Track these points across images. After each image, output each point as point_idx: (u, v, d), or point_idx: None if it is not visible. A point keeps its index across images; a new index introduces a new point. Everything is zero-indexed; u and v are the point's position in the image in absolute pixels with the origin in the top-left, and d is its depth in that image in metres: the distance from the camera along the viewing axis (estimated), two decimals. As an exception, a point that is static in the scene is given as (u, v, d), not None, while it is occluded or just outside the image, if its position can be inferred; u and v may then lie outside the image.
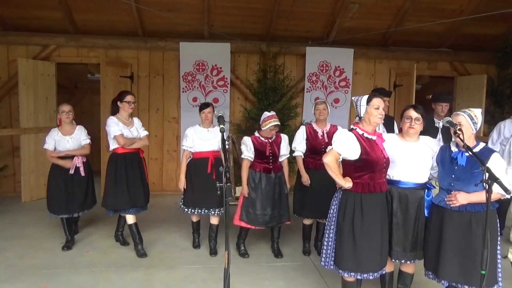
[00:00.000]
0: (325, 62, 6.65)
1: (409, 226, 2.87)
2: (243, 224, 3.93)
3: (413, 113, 2.89)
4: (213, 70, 6.45)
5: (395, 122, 4.25)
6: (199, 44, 6.35)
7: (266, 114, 3.95)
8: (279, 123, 3.91)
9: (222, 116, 2.73)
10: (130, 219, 3.99)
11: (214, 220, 4.12)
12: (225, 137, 2.53)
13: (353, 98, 2.89)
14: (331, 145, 2.79)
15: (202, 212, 4.00)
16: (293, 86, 6.62)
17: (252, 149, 3.88)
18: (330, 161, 2.71)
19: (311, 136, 4.00)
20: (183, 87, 6.44)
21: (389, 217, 2.88)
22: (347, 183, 2.74)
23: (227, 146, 2.51)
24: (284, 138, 4.03)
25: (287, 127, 6.20)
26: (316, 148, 3.94)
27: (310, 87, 6.68)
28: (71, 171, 4.08)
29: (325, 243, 2.89)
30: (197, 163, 3.96)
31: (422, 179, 2.92)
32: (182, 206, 4.04)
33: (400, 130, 3.04)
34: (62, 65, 6.62)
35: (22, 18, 6.02)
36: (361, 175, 2.74)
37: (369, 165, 2.72)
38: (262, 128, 3.91)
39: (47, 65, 6.16)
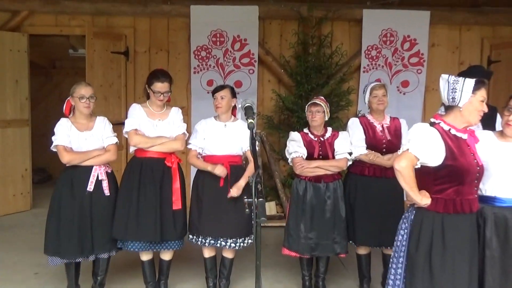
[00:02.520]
0: (390, 30, 6.58)
1: (509, 261, 2.80)
2: (286, 252, 4.02)
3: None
4: (235, 43, 6.48)
5: (497, 115, 4.10)
6: (216, 8, 6.41)
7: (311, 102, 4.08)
8: (319, 102, 3.95)
9: (250, 107, 2.72)
10: (144, 256, 3.95)
11: (229, 253, 4.04)
12: (254, 135, 2.54)
13: (445, 75, 2.76)
14: (393, 144, 2.76)
15: (218, 244, 3.90)
16: (344, 64, 6.58)
17: (303, 146, 3.98)
18: (404, 168, 2.67)
19: (369, 132, 4.00)
20: (195, 66, 6.51)
21: (481, 248, 2.81)
22: (423, 199, 2.70)
23: (256, 148, 2.50)
24: (342, 135, 4.08)
25: (337, 121, 6.15)
26: (376, 148, 3.95)
27: (368, 65, 6.63)
28: (90, 188, 3.74)
29: (391, 281, 2.87)
30: (207, 173, 3.92)
31: (530, 195, 2.82)
32: (189, 234, 4.02)
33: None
34: (37, 38, 6.81)
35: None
36: (444, 189, 2.69)
37: (456, 175, 2.67)
38: (308, 119, 4.04)
39: (16, 38, 6.36)
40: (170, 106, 4.03)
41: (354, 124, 4.08)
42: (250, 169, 3.89)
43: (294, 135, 4.06)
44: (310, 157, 3.98)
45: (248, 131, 2.56)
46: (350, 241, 4.06)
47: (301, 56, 6.38)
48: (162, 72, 3.93)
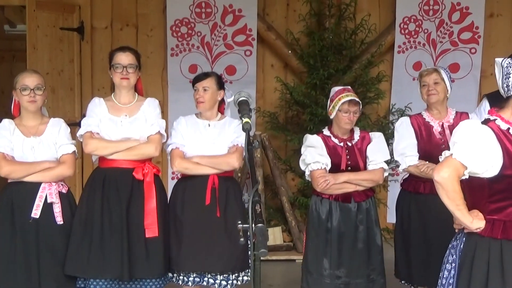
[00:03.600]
0: (434, -4, 6.64)
1: None
2: None
3: None
4: (226, 15, 6.53)
5: None
6: (200, -32, 6.48)
7: (335, 89, 4.11)
8: (357, 98, 4.01)
9: (246, 101, 2.77)
10: None
11: None
12: (252, 141, 2.59)
13: (498, 60, 2.83)
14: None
15: (204, 282, 3.95)
16: (373, 42, 6.63)
17: (326, 153, 4.00)
18: (447, 180, 2.71)
19: (422, 135, 4.06)
20: (173, 46, 6.56)
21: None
22: (475, 222, 2.73)
23: (253, 156, 2.54)
24: (376, 137, 4.14)
25: (363, 119, 6.18)
26: (432, 155, 3.95)
27: (404, 43, 6.68)
28: (35, 214, 3.70)
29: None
30: (188, 187, 3.98)
31: None
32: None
33: None
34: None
35: None
36: (503, 207, 2.72)
37: (517, 189, 2.71)
38: (331, 116, 4.05)
39: None
40: (143, 97, 4.07)
41: (402, 125, 4.15)
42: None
43: (313, 139, 4.08)
44: (335, 168, 4.00)
45: (243, 134, 2.60)
46: (403, 281, 4.12)
47: (314, 33, 6.41)
48: (126, 46, 4.05)
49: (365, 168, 4.04)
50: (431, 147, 4.00)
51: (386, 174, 4.16)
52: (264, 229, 2.05)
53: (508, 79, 2.78)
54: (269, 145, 6.28)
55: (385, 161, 4.11)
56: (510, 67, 2.78)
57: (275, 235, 6.21)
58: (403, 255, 4.13)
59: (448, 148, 3.80)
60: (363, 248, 3.99)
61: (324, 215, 3.99)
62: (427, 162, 3.99)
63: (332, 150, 4.03)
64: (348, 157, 4.02)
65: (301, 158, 4.15)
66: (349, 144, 4.06)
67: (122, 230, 3.80)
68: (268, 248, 5.81)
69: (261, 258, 2.16)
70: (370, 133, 4.22)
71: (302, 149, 4.13)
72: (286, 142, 6.57)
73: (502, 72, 2.80)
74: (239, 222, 2.19)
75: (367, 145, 4.10)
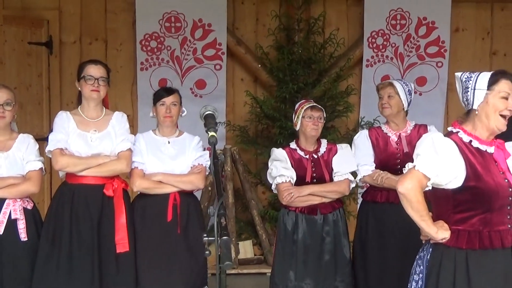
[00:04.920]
0: (400, 10, 6.71)
1: None
2: None
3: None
4: (195, 29, 6.55)
5: None
6: (170, -17, 6.49)
7: (298, 103, 4.22)
8: (319, 107, 4.08)
9: (212, 115, 2.80)
10: None
11: None
12: (217, 154, 2.60)
13: (458, 74, 2.92)
14: (412, 158, 2.83)
15: None
16: (341, 56, 6.68)
17: (291, 166, 4.05)
18: (410, 191, 2.74)
19: (379, 146, 4.14)
20: (143, 60, 6.55)
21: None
22: (440, 232, 2.77)
23: (218, 169, 2.56)
24: (342, 149, 4.21)
25: (332, 132, 6.25)
26: (388, 164, 4.09)
27: (372, 57, 6.74)
28: None
29: None
30: (147, 204, 3.97)
31: None
32: None
33: None
34: None
35: None
36: (467, 217, 2.76)
37: (481, 199, 2.74)
38: (296, 127, 4.12)
39: None
40: (111, 111, 4.05)
41: (359, 138, 4.24)
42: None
43: (278, 153, 4.13)
44: (300, 181, 4.05)
45: (205, 152, 2.61)
46: None
47: (284, 47, 6.46)
48: (95, 59, 4.01)
49: (331, 180, 4.08)
50: (387, 156, 4.09)
51: (353, 185, 4.20)
52: (229, 241, 2.06)
53: (467, 93, 2.84)
54: (239, 158, 6.28)
55: (351, 173, 4.16)
56: (469, 81, 2.84)
57: (246, 249, 6.21)
58: (361, 266, 4.14)
59: (404, 158, 3.87)
60: (330, 260, 4.01)
61: (290, 227, 4.02)
62: (381, 171, 4.05)
63: (297, 163, 4.07)
64: (314, 169, 4.07)
65: (268, 172, 4.19)
66: (315, 156, 4.11)
67: (93, 246, 3.78)
68: (239, 261, 5.88)
69: (227, 271, 2.19)
70: (337, 145, 4.27)
71: (269, 163, 4.18)
72: (256, 156, 6.57)
73: (462, 86, 2.86)
74: (205, 235, 2.20)
75: (333, 156, 4.15)
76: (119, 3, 6.62)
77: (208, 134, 2.67)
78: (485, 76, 2.82)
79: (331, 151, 4.17)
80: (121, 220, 3.85)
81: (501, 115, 2.79)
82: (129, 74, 6.65)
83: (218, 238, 2.10)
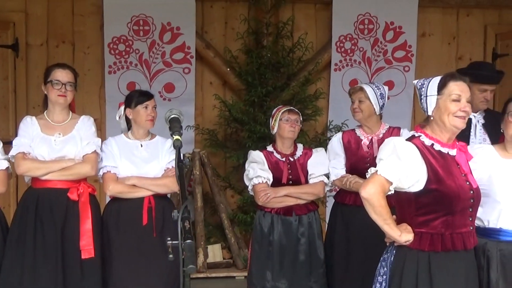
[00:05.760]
0: (368, 15, 6.78)
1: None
2: None
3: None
4: (164, 32, 6.53)
5: None
6: (138, -14, 6.47)
7: (275, 108, 4.28)
8: (296, 110, 4.18)
9: (177, 119, 2.82)
10: None
11: None
12: (182, 157, 2.60)
13: (415, 82, 2.99)
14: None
15: None
16: (310, 60, 6.72)
17: (268, 168, 4.11)
18: (373, 195, 2.79)
19: (351, 149, 4.20)
20: (111, 64, 6.51)
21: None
22: (403, 235, 2.81)
23: (183, 173, 2.56)
24: (317, 152, 4.28)
25: (301, 136, 6.25)
26: (358, 167, 4.14)
27: (341, 61, 6.79)
28: None
29: None
30: (122, 208, 3.98)
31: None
32: None
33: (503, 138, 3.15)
34: None
35: None
36: (430, 220, 2.81)
37: (443, 202, 2.79)
38: (273, 130, 4.19)
39: None
40: (77, 115, 4.02)
41: (332, 141, 4.30)
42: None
43: (255, 155, 4.18)
44: (277, 182, 4.11)
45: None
46: None
47: (252, 51, 6.46)
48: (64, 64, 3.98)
49: (306, 182, 4.14)
50: (358, 160, 4.14)
51: (327, 188, 4.26)
52: (193, 245, 2.07)
53: (421, 100, 2.92)
54: (208, 162, 6.27)
55: (326, 175, 4.21)
56: (422, 89, 2.92)
57: (215, 252, 6.19)
58: (329, 264, 4.19)
59: (374, 162, 3.93)
60: (305, 261, 4.07)
61: (267, 228, 4.08)
62: (350, 175, 4.10)
63: (274, 165, 4.13)
64: (290, 171, 4.13)
65: (245, 174, 4.24)
66: (291, 159, 4.18)
67: (56, 252, 3.77)
68: (208, 265, 5.87)
69: (191, 275, 2.19)
70: (313, 149, 4.33)
71: (246, 165, 4.24)
72: (225, 159, 6.58)
73: (418, 93, 2.94)
74: (168, 238, 2.21)
75: (309, 160, 4.21)
76: (86, 6, 6.57)
77: (173, 137, 2.68)
78: (435, 81, 2.89)
79: (307, 155, 4.24)
80: (86, 225, 3.83)
81: (457, 116, 2.84)
82: (97, 77, 6.60)
83: (182, 242, 2.11)
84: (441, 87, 2.86)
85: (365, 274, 3.89)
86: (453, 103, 2.83)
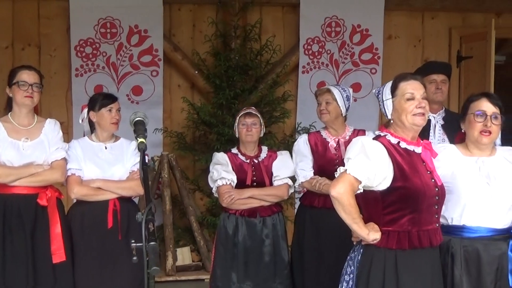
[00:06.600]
0: (335, 18, 6.82)
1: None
2: None
3: (487, 106, 3.06)
4: (131, 35, 6.51)
5: None
6: (103, -11, 6.43)
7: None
8: (254, 111, 4.18)
9: (142, 122, 2.81)
10: None
11: None
12: (147, 160, 2.61)
13: (374, 91, 3.05)
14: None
15: None
16: (278, 62, 6.74)
17: (232, 170, 4.12)
18: (342, 195, 2.81)
19: (318, 151, 4.22)
20: (77, 66, 6.46)
21: (448, 291, 3.00)
22: (371, 234, 2.84)
23: (147, 175, 2.57)
24: (282, 154, 4.30)
25: (269, 138, 6.29)
26: (326, 169, 4.15)
27: (308, 63, 6.83)
28: None
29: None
30: (86, 211, 3.94)
31: (503, 222, 3.06)
32: None
33: (463, 138, 3.20)
34: None
35: None
36: (396, 218, 2.84)
37: (409, 199, 2.82)
38: (236, 134, 4.23)
39: None
40: (43, 118, 3.99)
41: (298, 143, 4.30)
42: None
43: (220, 157, 4.19)
44: (241, 184, 4.12)
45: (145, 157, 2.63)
46: None
47: (220, 53, 6.47)
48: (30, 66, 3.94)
49: (271, 184, 4.16)
50: (325, 162, 4.15)
51: (292, 190, 4.29)
52: (156, 247, 2.07)
53: (380, 106, 3.00)
54: (177, 165, 6.25)
55: (290, 178, 4.24)
56: (379, 95, 3.00)
57: (184, 255, 6.17)
58: (299, 268, 4.22)
59: (342, 164, 3.98)
60: (269, 262, 4.09)
61: (231, 230, 4.09)
62: (319, 177, 4.13)
63: (238, 167, 4.15)
64: (254, 173, 4.15)
65: (209, 176, 4.25)
66: (256, 161, 4.20)
67: (27, 257, 3.73)
68: (177, 268, 5.85)
69: (155, 277, 2.20)
70: (278, 152, 4.35)
71: (210, 167, 4.24)
72: (193, 162, 6.57)
73: (378, 100, 3.01)
74: (133, 241, 2.21)
75: (273, 162, 4.23)
76: (52, 9, 6.51)
77: (138, 140, 2.69)
78: (388, 85, 2.96)
79: (271, 157, 4.26)
80: (56, 230, 3.81)
81: (415, 115, 2.88)
82: (64, 80, 6.54)
83: (146, 244, 2.12)
84: (394, 89, 2.93)
85: (336, 276, 3.90)
86: (408, 102, 2.88)
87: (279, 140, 6.47)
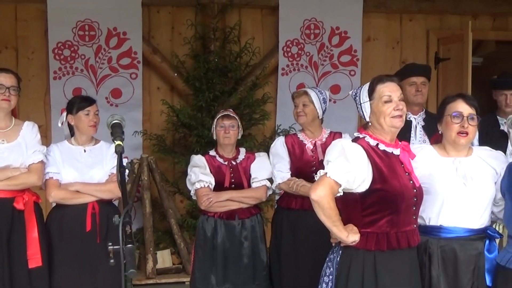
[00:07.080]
0: (314, 20, 6.85)
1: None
2: None
3: (463, 108, 3.10)
4: (110, 37, 6.48)
5: None
6: (83, -10, 6.39)
7: None
8: (233, 115, 4.20)
9: (119, 124, 2.82)
10: None
11: None
12: (124, 163, 2.61)
13: (350, 92, 3.08)
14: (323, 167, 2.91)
15: None
16: (257, 65, 6.76)
17: (210, 172, 4.13)
18: (323, 198, 2.82)
19: (295, 154, 4.24)
20: (56, 69, 6.43)
21: (426, 291, 3.02)
22: (350, 236, 2.86)
23: (124, 178, 2.58)
24: (260, 156, 4.33)
25: (249, 139, 6.31)
26: (303, 171, 4.19)
27: (288, 65, 6.85)
28: None
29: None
30: (65, 215, 3.93)
31: (480, 222, 3.10)
32: None
33: (439, 139, 3.25)
34: None
35: None
36: (375, 220, 2.87)
37: (387, 201, 2.85)
38: (214, 137, 4.24)
39: None
40: (21, 121, 3.97)
41: (275, 145, 4.32)
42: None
43: (197, 160, 4.20)
44: (219, 186, 4.14)
45: (123, 160, 2.64)
46: None
47: (200, 56, 6.47)
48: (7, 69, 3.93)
49: (249, 186, 4.17)
50: (303, 164, 4.18)
51: (270, 192, 4.31)
52: (133, 249, 2.08)
53: (358, 108, 3.04)
54: (156, 167, 6.23)
55: (268, 179, 4.26)
56: (356, 98, 3.05)
57: (164, 258, 6.16)
58: (276, 269, 4.25)
59: (319, 165, 3.99)
60: (248, 264, 4.11)
61: (210, 232, 4.11)
62: (297, 178, 4.15)
63: (216, 169, 4.16)
64: (232, 175, 4.17)
65: (187, 179, 4.25)
66: (234, 163, 4.21)
67: (3, 262, 3.71)
68: (157, 271, 5.84)
69: (132, 280, 2.22)
70: (256, 153, 4.37)
71: (188, 170, 4.25)
72: (173, 165, 6.56)
73: (355, 103, 3.05)
74: (110, 243, 2.21)
75: (251, 164, 4.24)
76: (30, 11, 6.47)
77: (115, 143, 2.69)
78: (365, 88, 2.99)
79: (249, 159, 4.28)
80: (33, 234, 3.78)
81: (393, 117, 2.91)
82: (42, 83, 6.50)
83: (123, 246, 2.12)
84: (371, 92, 2.96)
85: (314, 277, 3.94)
86: (386, 104, 2.91)
87: (259, 142, 6.48)
